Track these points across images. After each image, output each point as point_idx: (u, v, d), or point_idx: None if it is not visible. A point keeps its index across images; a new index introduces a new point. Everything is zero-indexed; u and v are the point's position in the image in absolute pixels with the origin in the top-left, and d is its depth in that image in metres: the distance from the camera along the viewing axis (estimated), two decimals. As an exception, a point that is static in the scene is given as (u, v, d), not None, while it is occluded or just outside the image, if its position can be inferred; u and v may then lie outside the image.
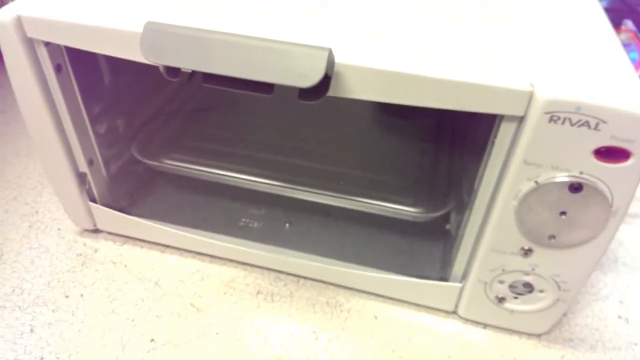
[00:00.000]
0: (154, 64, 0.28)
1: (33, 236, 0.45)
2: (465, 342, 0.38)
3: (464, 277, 0.37)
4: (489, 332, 0.39)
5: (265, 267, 0.43)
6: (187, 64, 0.27)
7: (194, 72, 0.28)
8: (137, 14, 0.32)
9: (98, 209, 0.43)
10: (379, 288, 0.40)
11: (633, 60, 0.45)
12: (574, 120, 0.26)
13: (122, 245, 0.44)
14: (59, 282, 0.41)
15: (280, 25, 0.31)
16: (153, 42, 0.27)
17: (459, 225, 0.37)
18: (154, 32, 0.27)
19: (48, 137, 0.38)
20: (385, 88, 0.28)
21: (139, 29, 0.29)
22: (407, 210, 0.42)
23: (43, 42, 0.33)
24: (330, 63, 0.26)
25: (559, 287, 0.34)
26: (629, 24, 0.52)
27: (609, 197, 0.29)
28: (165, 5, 0.33)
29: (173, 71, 0.28)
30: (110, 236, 0.45)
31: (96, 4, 0.33)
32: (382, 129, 0.54)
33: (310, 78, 0.25)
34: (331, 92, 0.28)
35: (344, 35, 0.31)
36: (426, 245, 0.43)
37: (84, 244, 0.44)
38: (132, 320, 0.38)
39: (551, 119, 0.27)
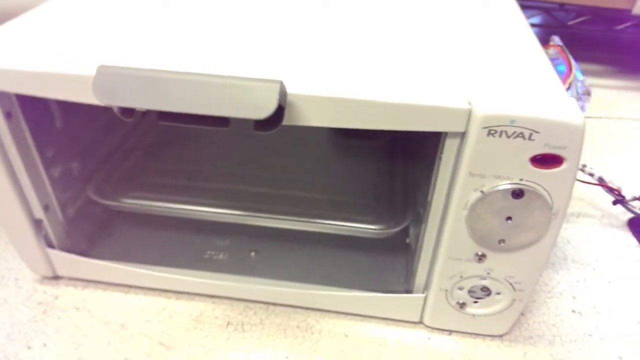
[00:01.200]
0: (108, 105, 0.28)
1: (-12, 289, 0.43)
2: (433, 350, 0.39)
3: (426, 287, 0.38)
4: (454, 338, 0.40)
5: (233, 297, 0.43)
6: (141, 104, 0.27)
7: (148, 110, 0.29)
8: (86, 57, 0.32)
9: (56, 255, 0.42)
10: (347, 306, 0.41)
11: (561, 73, 0.49)
12: (510, 132, 0.29)
13: (83, 289, 0.43)
14: (19, 333, 0.40)
15: (231, 61, 0.32)
16: (106, 84, 0.28)
17: (417, 238, 0.38)
18: (106, 75, 0.28)
19: (0, 186, 0.37)
20: (336, 114, 0.30)
21: (90, 72, 0.29)
22: (368, 228, 0.44)
23: (-8, 90, 0.33)
24: (283, 94, 0.28)
25: (514, 288, 0.36)
26: (556, 39, 0.57)
27: (549, 200, 0.31)
28: (113, 48, 0.34)
29: (128, 111, 0.29)
30: (71, 281, 0.44)
31: (43, 51, 0.33)
32: (338, 151, 0.55)
33: (264, 110, 0.27)
34: (285, 122, 0.29)
35: (294, 65, 0.32)
36: (389, 260, 0.45)
37: (44, 292, 0.43)
38: (100, 365, 0.37)
39: (489, 133, 0.29)
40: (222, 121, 0.28)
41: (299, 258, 0.45)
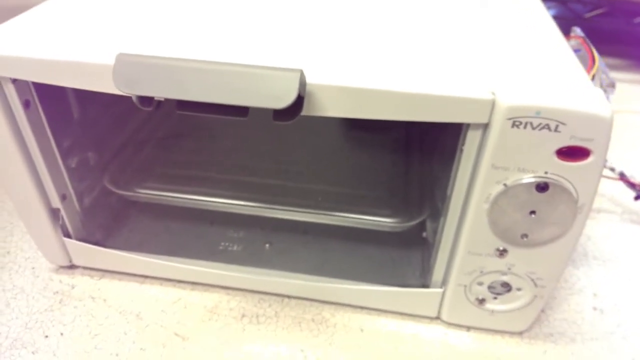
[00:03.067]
0: (127, 94, 0.28)
1: (6, 277, 0.44)
2: (450, 347, 0.39)
3: (444, 282, 0.38)
4: (472, 334, 0.40)
5: (248, 289, 0.42)
6: (161, 93, 0.27)
7: (165, 99, 0.28)
8: (104, 46, 0.32)
9: (73, 244, 0.42)
10: (363, 300, 0.41)
11: (584, 64, 0.48)
12: (535, 124, 0.28)
13: (99, 279, 0.44)
14: (37, 322, 0.40)
15: (251, 50, 0.32)
16: (126, 73, 0.27)
17: (435, 232, 0.38)
18: (126, 63, 0.27)
19: (19, 175, 0.37)
20: (356, 104, 0.29)
21: (109, 61, 0.29)
22: (384, 222, 0.43)
23: (10, 79, 0.33)
24: (302, 84, 0.27)
25: (535, 284, 0.35)
26: (577, 30, 0.56)
27: (574, 194, 0.30)
28: (131, 37, 0.33)
29: (146, 100, 0.29)
30: (86, 271, 0.44)
31: (62, 39, 0.33)
32: (353, 144, 0.55)
33: (284, 99, 0.26)
34: (304, 112, 0.29)
35: (313, 55, 0.32)
36: (405, 254, 0.44)
37: (60, 281, 0.43)
38: (117, 355, 0.37)
39: (514, 124, 0.28)
40: (241, 111, 0.28)
41: (313, 251, 0.45)
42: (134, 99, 0.29)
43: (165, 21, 0.36)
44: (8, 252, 0.46)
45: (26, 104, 0.35)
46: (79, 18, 0.36)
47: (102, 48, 0.32)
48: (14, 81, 0.33)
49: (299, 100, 0.28)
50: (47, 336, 0.39)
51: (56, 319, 0.40)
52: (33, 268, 0.44)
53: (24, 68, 0.32)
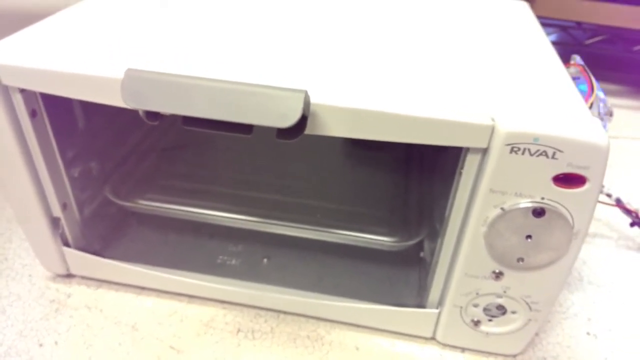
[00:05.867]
0: (134, 109, 0.29)
1: (3, 284, 0.44)
2: (445, 368, 0.39)
3: (440, 302, 0.38)
4: (467, 356, 0.40)
5: (244, 304, 0.43)
6: (168, 109, 0.27)
7: (172, 114, 0.29)
8: (112, 60, 0.32)
9: (71, 253, 0.42)
10: (359, 318, 0.41)
11: (582, 92, 0.49)
12: (533, 150, 0.29)
13: (96, 289, 0.44)
14: (32, 330, 0.40)
15: (258, 69, 0.33)
16: (134, 88, 0.28)
17: (433, 253, 0.38)
18: (134, 79, 0.28)
19: (21, 183, 0.37)
20: (358, 125, 0.30)
21: (117, 75, 0.29)
22: (382, 240, 0.43)
23: (18, 88, 0.34)
24: (307, 104, 0.28)
25: (530, 308, 0.36)
26: (577, 58, 0.56)
27: (570, 220, 0.31)
28: (138, 52, 0.34)
29: (153, 115, 0.29)
30: (83, 280, 0.44)
31: (71, 51, 0.34)
32: (354, 162, 0.55)
33: (289, 119, 0.27)
34: (308, 131, 0.30)
35: (318, 76, 0.32)
36: (402, 273, 0.44)
37: (57, 290, 0.43)
38: (111, 366, 0.37)
39: (512, 150, 0.29)
40: (245, 128, 0.28)
41: (311, 267, 0.45)
42: (140, 113, 0.29)
43: (173, 37, 0.37)
44: (6, 259, 0.46)
45: (33, 114, 0.35)
46: (88, 30, 0.37)
47: (110, 62, 0.32)
48: (22, 91, 0.34)
49: (303, 120, 0.28)
50: (41, 345, 0.39)
51: (51, 327, 0.40)
52: (30, 275, 0.45)
53: (32, 78, 0.33)
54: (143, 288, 0.44)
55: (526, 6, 0.49)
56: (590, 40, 0.83)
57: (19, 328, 0.40)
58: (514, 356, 0.40)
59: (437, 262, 0.36)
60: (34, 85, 0.33)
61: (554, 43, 0.41)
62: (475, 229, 0.32)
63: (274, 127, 0.27)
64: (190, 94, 0.27)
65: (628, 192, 0.53)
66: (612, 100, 0.83)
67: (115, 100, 0.30)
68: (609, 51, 0.88)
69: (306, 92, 0.28)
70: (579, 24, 0.83)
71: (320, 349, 0.40)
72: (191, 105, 0.27)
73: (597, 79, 0.51)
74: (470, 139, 0.30)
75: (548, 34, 0.42)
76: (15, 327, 0.40)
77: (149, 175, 0.50)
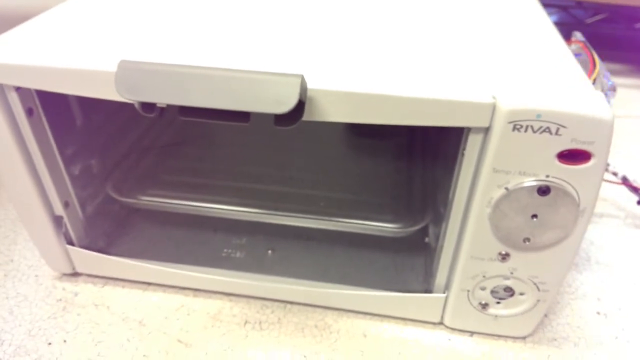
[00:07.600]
0: (129, 101, 0.28)
1: (10, 285, 0.44)
2: (454, 352, 0.38)
3: (446, 287, 0.38)
4: (476, 339, 0.39)
5: (251, 295, 0.42)
6: (163, 99, 0.27)
7: (168, 107, 0.29)
8: (106, 53, 0.32)
9: (76, 252, 0.42)
10: (366, 306, 0.41)
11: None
12: (536, 127, 0.28)
13: (102, 286, 0.44)
14: (40, 329, 0.40)
15: (252, 55, 0.32)
16: (128, 80, 0.27)
17: (438, 237, 0.38)
18: (128, 70, 0.28)
19: (22, 182, 0.37)
20: (356, 109, 0.30)
21: (111, 68, 0.29)
22: (387, 227, 0.43)
23: (14, 87, 0.33)
24: (304, 89, 0.27)
25: (538, 288, 0.35)
26: (578, 35, 0.56)
27: (576, 197, 0.30)
28: (132, 44, 0.34)
29: (149, 107, 0.29)
30: (90, 278, 0.44)
31: (65, 46, 0.33)
32: (355, 151, 0.55)
33: (285, 104, 0.26)
34: (305, 117, 0.29)
35: (314, 61, 0.32)
36: (408, 259, 0.44)
37: (64, 289, 0.43)
38: (119, 362, 0.37)
39: (514, 128, 0.28)
40: (242, 116, 0.28)
41: (316, 257, 0.45)
42: (136, 105, 0.29)
43: (166, 28, 0.36)
44: (12, 260, 0.46)
45: (29, 112, 0.35)
46: (81, 26, 0.37)
47: (104, 55, 0.32)
48: (18, 89, 0.34)
49: (300, 105, 0.28)
50: (50, 343, 0.39)
51: (59, 326, 0.40)
52: (36, 276, 0.45)
53: (27, 76, 0.32)
54: (149, 284, 0.44)
55: (525, -15, 0.48)
56: (591, 19, 0.82)
57: (27, 328, 0.40)
58: (524, 338, 0.39)
59: (442, 246, 0.36)
60: (29, 82, 0.33)
61: (555, 23, 0.40)
62: (480, 210, 0.32)
63: (271, 113, 0.27)
64: (185, 83, 0.27)
65: (634, 171, 0.52)
66: (614, 79, 0.82)
67: (111, 93, 0.29)
68: (610, 30, 0.87)
69: (302, 77, 0.27)
70: (579, 3, 0.82)
71: (328, 337, 0.39)
72: (186, 95, 0.27)
73: (599, 57, 0.50)
74: (471, 119, 0.29)
75: (549, 14, 0.41)
76: (23, 326, 0.40)
77: (151, 171, 0.50)
